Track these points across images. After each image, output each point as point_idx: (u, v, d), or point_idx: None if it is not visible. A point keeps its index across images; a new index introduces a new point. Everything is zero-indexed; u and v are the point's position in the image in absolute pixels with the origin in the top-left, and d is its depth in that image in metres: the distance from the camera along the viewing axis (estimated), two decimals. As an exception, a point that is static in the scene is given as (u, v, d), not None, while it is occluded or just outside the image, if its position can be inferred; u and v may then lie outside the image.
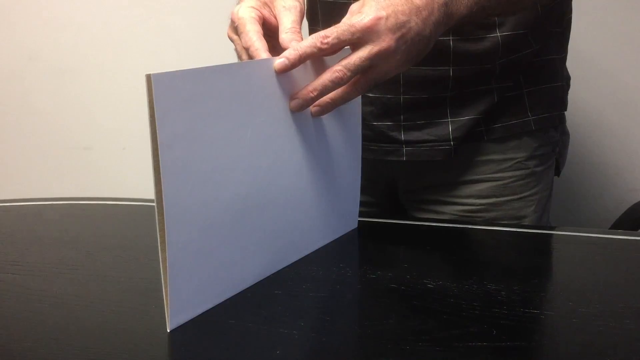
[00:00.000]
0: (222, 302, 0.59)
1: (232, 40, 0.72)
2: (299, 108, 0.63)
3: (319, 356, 0.52)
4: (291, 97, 0.63)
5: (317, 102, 0.64)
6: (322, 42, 0.61)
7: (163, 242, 0.52)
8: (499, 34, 0.80)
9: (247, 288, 0.62)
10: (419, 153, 0.86)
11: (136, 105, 1.53)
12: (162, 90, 0.50)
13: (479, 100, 0.85)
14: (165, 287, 0.53)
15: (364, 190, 0.96)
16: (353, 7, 0.63)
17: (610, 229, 1.03)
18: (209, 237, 0.56)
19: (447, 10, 0.64)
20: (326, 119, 0.68)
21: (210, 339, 0.54)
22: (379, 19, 0.60)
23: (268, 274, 0.64)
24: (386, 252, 0.73)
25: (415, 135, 0.86)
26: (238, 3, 0.73)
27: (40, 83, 1.58)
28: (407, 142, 0.86)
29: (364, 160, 0.91)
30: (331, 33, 0.61)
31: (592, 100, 1.34)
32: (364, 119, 0.87)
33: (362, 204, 0.78)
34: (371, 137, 0.88)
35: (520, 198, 0.88)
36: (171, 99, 0.51)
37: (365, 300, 0.61)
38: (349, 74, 0.62)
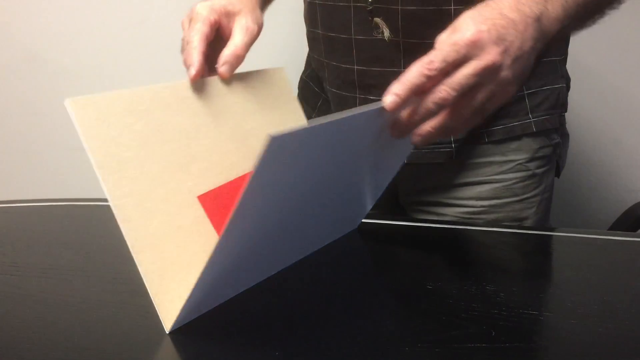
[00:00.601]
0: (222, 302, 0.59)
1: (182, 28, 0.71)
2: (401, 135, 0.61)
3: (318, 357, 0.52)
4: (392, 124, 0.60)
5: (419, 131, 0.61)
6: (429, 69, 0.57)
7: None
8: None
9: (247, 289, 0.62)
10: (420, 155, 0.86)
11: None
12: (272, 150, 0.47)
13: None
14: (155, 296, 0.54)
15: None
16: (442, 36, 0.61)
17: (609, 229, 1.03)
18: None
19: (540, 27, 0.62)
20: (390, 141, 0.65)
21: (210, 339, 0.54)
22: (481, 32, 0.58)
23: (268, 275, 0.64)
24: (386, 253, 0.73)
25: None
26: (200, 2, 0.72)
27: (38, 84, 1.58)
28: None
29: None
30: (435, 57, 0.57)
31: (591, 102, 1.35)
32: None
33: None
34: None
35: (521, 200, 0.88)
36: (278, 159, 0.49)
37: (364, 301, 0.61)
38: (453, 93, 0.58)
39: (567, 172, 1.05)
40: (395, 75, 0.81)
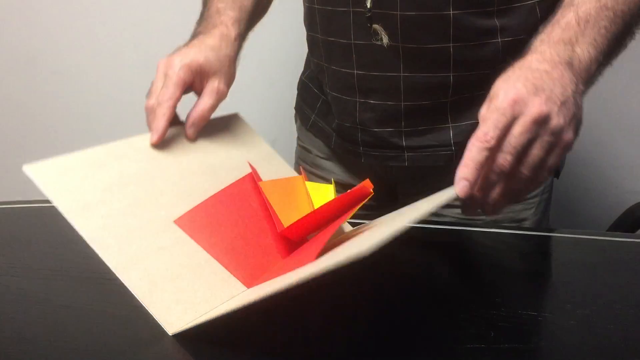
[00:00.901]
0: (227, 299, 0.60)
1: (157, 70, 0.74)
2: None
3: (315, 356, 0.52)
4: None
5: (488, 204, 0.60)
6: (486, 141, 0.56)
7: None
8: (500, 40, 0.80)
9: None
10: (420, 158, 0.86)
11: (134, 107, 1.53)
12: None
13: (479, 104, 0.84)
14: (149, 307, 0.55)
15: None
16: (482, 110, 0.60)
17: (608, 230, 1.03)
18: None
19: (574, 70, 0.61)
20: None
21: (212, 340, 0.54)
22: (517, 89, 0.58)
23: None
24: (384, 253, 0.73)
25: (416, 141, 0.86)
26: (185, 46, 0.75)
27: (37, 85, 1.58)
28: (409, 148, 0.86)
29: (367, 165, 0.90)
30: (487, 128, 0.57)
31: (590, 103, 1.35)
32: (364, 126, 0.87)
33: (361, 207, 0.78)
34: (372, 143, 0.88)
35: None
36: None
37: (361, 301, 0.61)
38: (509, 158, 0.57)
39: (566, 173, 1.05)
40: (394, 79, 0.81)
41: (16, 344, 0.54)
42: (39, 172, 0.58)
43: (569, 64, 0.61)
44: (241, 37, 0.82)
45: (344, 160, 0.96)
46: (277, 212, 0.66)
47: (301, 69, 1.03)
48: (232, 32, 0.80)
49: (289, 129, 1.08)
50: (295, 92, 1.04)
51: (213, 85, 0.74)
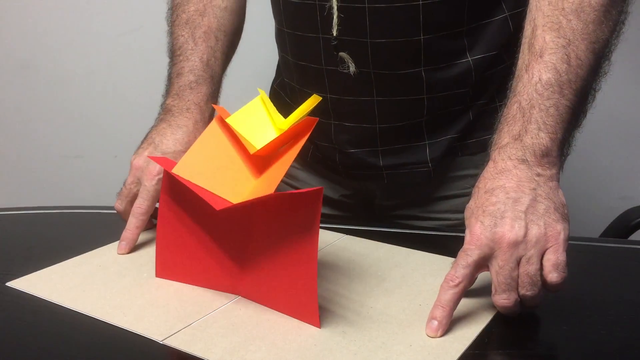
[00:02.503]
0: (221, 306, 0.60)
1: (129, 179, 0.76)
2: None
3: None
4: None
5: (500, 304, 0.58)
6: (452, 281, 0.56)
7: None
8: (470, 58, 0.79)
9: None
10: (399, 176, 0.86)
11: (127, 113, 1.53)
12: None
13: (455, 120, 0.84)
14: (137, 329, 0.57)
15: (341, 205, 0.94)
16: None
17: (600, 236, 1.03)
18: None
19: (529, 164, 0.60)
20: None
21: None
22: (477, 228, 0.57)
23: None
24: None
25: (393, 160, 0.85)
26: (156, 131, 0.78)
27: (31, 91, 1.57)
28: (386, 167, 0.86)
29: (346, 182, 0.89)
30: (455, 269, 0.57)
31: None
32: (341, 147, 0.87)
33: (338, 218, 0.78)
34: (350, 164, 0.87)
35: None
36: None
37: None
38: (505, 296, 0.56)
39: (560, 179, 1.05)
40: (368, 104, 0.81)
41: (11, 352, 0.54)
42: (22, 283, 0.65)
43: (523, 161, 0.60)
44: (214, 104, 0.82)
45: (320, 171, 0.94)
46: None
47: (273, 74, 1.00)
48: (207, 112, 0.81)
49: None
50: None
51: (139, 207, 0.74)
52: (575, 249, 0.75)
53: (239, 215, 0.60)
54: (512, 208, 0.58)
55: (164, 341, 0.54)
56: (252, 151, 0.61)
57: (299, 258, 0.55)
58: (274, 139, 0.61)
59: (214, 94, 0.84)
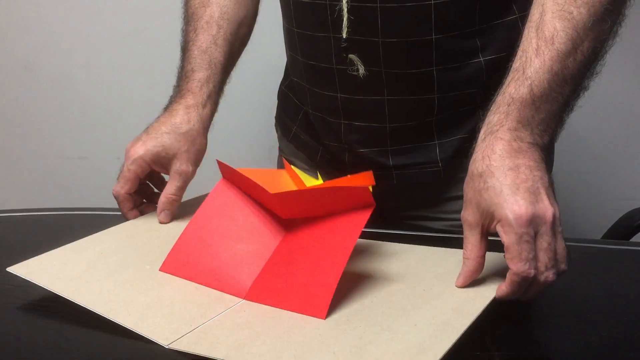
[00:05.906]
0: (226, 310, 0.60)
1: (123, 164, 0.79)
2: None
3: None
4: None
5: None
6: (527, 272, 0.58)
7: None
8: (482, 59, 0.80)
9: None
10: (408, 176, 0.86)
11: (131, 115, 1.53)
12: None
13: (465, 120, 0.84)
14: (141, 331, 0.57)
15: None
16: (465, 214, 0.64)
17: (603, 237, 1.03)
18: None
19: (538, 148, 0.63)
20: None
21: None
22: (521, 205, 0.58)
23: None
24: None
25: (403, 160, 0.85)
26: (139, 141, 0.79)
27: (34, 93, 1.58)
28: (396, 167, 0.86)
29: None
30: (520, 260, 0.58)
31: (587, 109, 1.35)
32: (350, 147, 0.87)
33: None
34: (359, 165, 0.87)
35: None
36: None
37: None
38: (552, 272, 0.58)
39: (560, 181, 1.05)
40: (379, 103, 0.81)
41: (12, 354, 0.54)
42: (22, 269, 0.64)
43: (533, 145, 0.63)
44: (215, 94, 0.84)
45: (329, 172, 0.93)
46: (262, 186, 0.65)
47: (281, 76, 1.00)
48: (200, 97, 0.83)
49: (271, 137, 1.06)
50: (276, 100, 1.01)
51: (175, 168, 0.79)
52: (576, 251, 0.75)
53: (288, 209, 0.63)
54: (542, 185, 0.59)
55: (169, 346, 0.54)
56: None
57: (332, 253, 0.58)
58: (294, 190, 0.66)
59: (211, 78, 0.85)
